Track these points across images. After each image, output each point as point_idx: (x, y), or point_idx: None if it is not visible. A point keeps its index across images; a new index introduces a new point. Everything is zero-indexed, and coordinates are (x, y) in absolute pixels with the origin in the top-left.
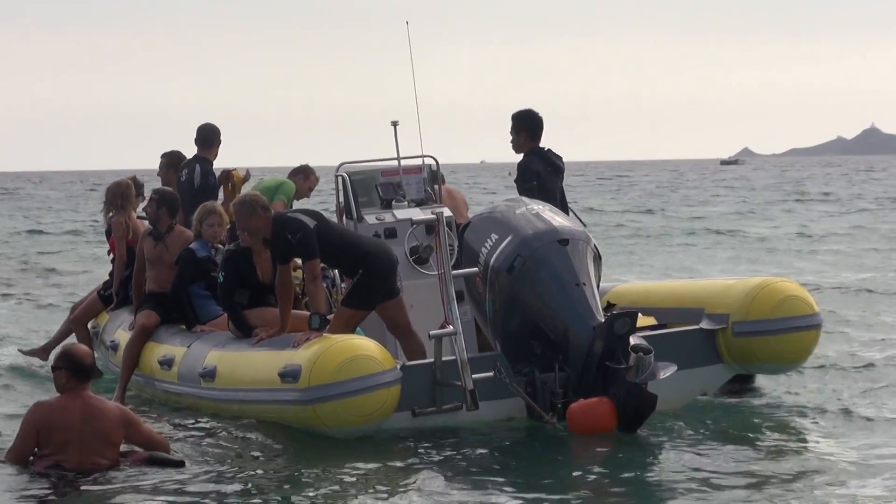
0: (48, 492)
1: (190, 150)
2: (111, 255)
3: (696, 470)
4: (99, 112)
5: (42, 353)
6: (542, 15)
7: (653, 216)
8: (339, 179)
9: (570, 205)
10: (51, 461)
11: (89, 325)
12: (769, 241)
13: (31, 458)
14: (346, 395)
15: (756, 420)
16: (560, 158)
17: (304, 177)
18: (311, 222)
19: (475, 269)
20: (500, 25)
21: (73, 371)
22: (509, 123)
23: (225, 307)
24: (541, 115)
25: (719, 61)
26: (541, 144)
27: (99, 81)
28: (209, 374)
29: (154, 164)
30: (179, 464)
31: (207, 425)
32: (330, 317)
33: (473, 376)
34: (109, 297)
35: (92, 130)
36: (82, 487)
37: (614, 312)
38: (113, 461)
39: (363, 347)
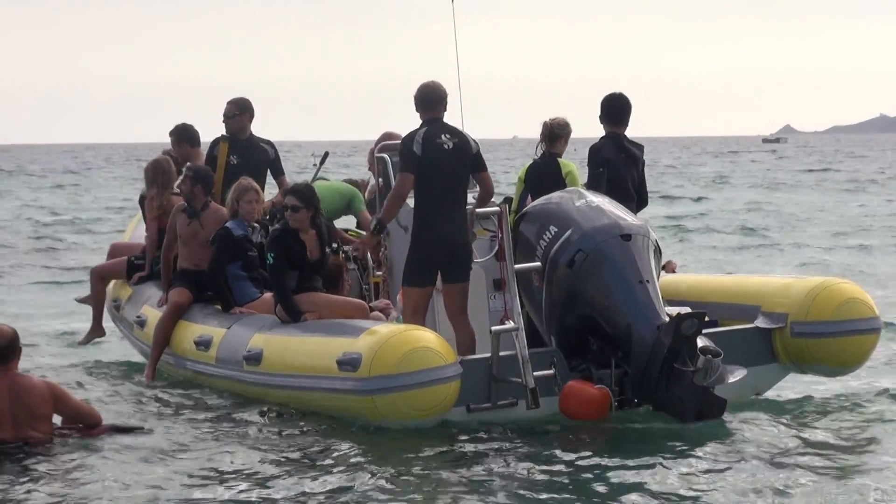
0: None
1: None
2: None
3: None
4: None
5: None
6: None
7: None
8: (380, 161)
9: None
10: None
11: (109, 298)
12: None
13: None
14: (408, 388)
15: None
16: (639, 147)
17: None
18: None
19: (537, 264)
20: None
21: None
22: (543, 99)
23: (276, 289)
24: (626, 99)
25: (761, 37)
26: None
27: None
28: (254, 358)
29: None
30: (140, 429)
31: (243, 411)
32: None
33: (534, 374)
34: (138, 267)
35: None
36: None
37: (681, 313)
38: (46, 434)
39: (425, 339)
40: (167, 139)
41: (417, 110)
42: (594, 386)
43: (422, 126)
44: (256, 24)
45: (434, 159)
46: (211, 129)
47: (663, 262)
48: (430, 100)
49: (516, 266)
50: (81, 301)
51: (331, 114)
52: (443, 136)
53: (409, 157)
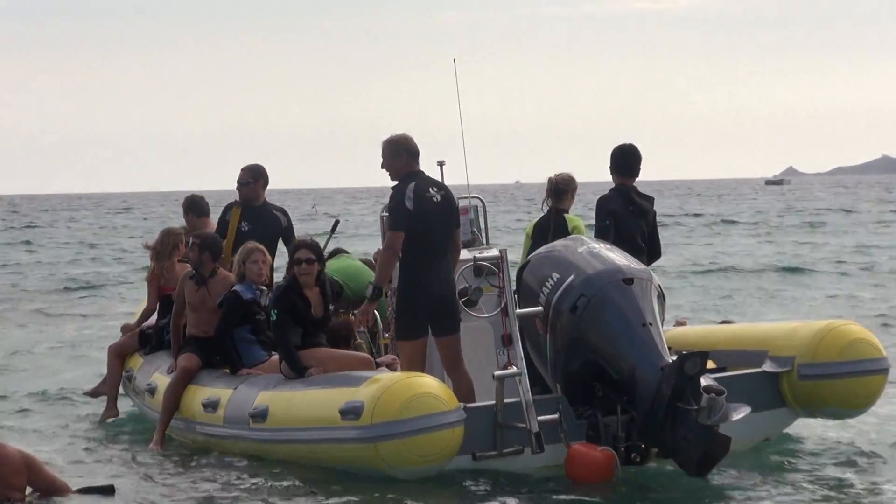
0: None
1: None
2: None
3: None
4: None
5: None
6: (580, 36)
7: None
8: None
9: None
10: None
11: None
12: None
13: None
14: (411, 434)
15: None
16: (649, 199)
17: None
18: (411, 206)
19: (539, 308)
20: (538, 46)
21: None
22: (546, 143)
23: (280, 345)
24: (636, 150)
25: (763, 79)
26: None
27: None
28: (260, 415)
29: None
30: (109, 489)
31: (246, 471)
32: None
33: (539, 419)
34: (149, 336)
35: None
36: None
37: (684, 353)
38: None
39: (427, 385)
40: (162, 188)
41: (400, 160)
42: (598, 449)
43: (409, 180)
44: (257, 72)
45: (425, 214)
46: (214, 176)
47: (676, 320)
48: (414, 152)
49: (519, 311)
50: (88, 394)
51: (332, 160)
52: (430, 189)
53: (400, 214)
